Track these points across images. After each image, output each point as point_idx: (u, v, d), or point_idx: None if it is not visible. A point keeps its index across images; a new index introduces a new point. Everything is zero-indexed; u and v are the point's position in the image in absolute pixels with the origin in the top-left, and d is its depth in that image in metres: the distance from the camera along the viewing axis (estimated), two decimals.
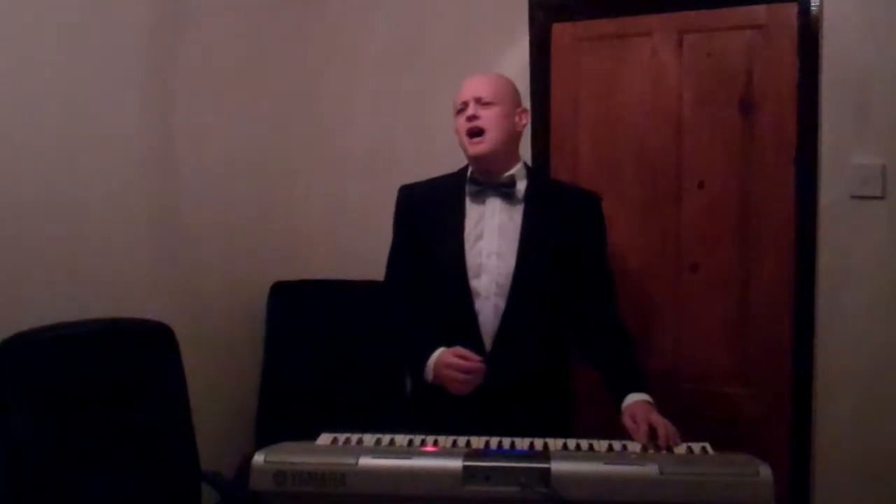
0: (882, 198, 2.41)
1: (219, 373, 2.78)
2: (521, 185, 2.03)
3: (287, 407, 2.88)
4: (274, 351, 2.96)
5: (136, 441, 2.16)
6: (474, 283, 1.97)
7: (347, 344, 2.96)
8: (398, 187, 2.17)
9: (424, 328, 2.01)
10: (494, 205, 2.01)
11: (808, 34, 2.48)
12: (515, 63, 2.85)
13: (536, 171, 2.08)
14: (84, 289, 2.29)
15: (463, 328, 1.96)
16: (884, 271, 2.43)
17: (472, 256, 1.98)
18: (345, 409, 2.78)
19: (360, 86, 3.12)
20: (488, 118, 1.98)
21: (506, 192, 2.00)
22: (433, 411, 1.96)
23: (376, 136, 3.11)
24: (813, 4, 2.46)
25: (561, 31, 2.82)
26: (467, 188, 2.03)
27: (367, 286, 3.00)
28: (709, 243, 2.68)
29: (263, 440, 1.81)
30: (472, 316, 1.96)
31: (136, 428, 2.16)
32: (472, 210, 2.02)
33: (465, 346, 1.92)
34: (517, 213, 2.00)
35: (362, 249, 3.10)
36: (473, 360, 1.89)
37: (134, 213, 2.48)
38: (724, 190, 2.65)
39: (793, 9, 2.51)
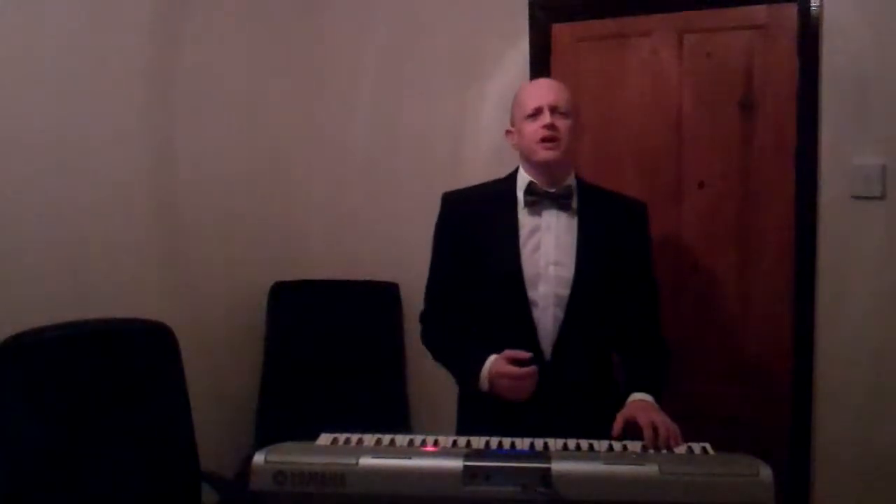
0: (882, 198, 2.41)
1: (219, 373, 2.78)
2: (575, 195, 2.03)
3: (287, 407, 2.89)
4: (274, 351, 2.97)
5: (136, 441, 2.16)
6: (532, 294, 1.96)
7: (347, 344, 2.96)
8: (441, 194, 2.09)
9: (471, 340, 2.00)
10: (551, 215, 2.00)
11: (808, 34, 2.48)
12: (515, 63, 2.85)
13: (585, 181, 2.07)
14: (84, 289, 2.29)
15: (521, 338, 1.95)
16: (884, 271, 2.43)
17: (529, 266, 1.97)
18: (345, 409, 2.78)
19: (360, 86, 3.11)
20: (564, 129, 1.97)
21: (563, 203, 2.00)
22: (485, 419, 1.93)
23: (376, 137, 3.11)
24: (813, 4, 2.46)
25: (561, 31, 2.82)
26: (522, 198, 2.01)
27: (367, 286, 3.02)
28: (709, 243, 2.68)
29: (263, 440, 1.80)
30: (530, 326, 1.96)
31: (136, 428, 2.16)
32: (526, 220, 2.00)
33: None
34: (573, 222, 2.00)
35: (362, 249, 3.11)
36: (525, 365, 1.87)
37: (134, 214, 2.48)
38: (724, 190, 2.65)
39: (793, 9, 2.51)
